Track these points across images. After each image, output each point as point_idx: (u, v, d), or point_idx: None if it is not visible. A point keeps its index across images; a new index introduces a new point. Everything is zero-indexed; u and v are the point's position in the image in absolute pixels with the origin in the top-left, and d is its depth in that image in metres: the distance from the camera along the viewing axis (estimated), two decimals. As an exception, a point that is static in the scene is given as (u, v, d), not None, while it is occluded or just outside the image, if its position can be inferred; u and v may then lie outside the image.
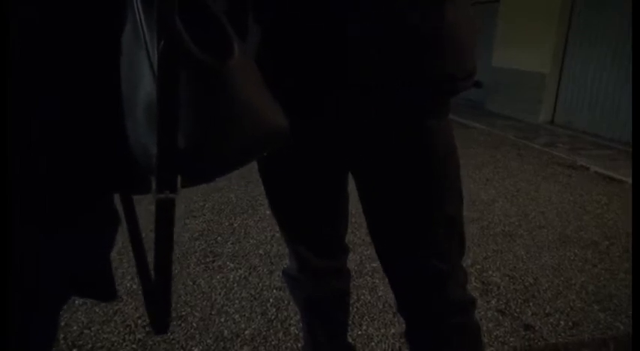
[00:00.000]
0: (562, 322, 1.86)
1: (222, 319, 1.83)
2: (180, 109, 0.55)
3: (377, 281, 2.12)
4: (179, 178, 0.57)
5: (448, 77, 0.82)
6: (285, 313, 1.87)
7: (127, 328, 1.74)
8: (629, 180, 3.85)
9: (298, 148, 0.91)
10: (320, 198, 1.02)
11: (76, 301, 1.84)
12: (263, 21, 0.83)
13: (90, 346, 1.64)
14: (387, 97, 0.82)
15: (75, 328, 1.72)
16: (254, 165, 0.98)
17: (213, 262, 2.30)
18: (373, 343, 1.70)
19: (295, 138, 0.85)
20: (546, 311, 1.94)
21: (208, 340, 1.69)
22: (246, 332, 1.75)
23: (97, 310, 1.83)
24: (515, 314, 1.91)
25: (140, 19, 0.56)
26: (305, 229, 1.08)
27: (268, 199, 1.05)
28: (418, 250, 0.92)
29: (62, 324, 1.70)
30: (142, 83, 0.57)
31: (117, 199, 0.76)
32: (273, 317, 1.85)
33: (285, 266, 1.25)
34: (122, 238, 0.77)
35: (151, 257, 0.69)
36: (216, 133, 0.59)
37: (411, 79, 0.80)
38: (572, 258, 2.45)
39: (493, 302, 1.99)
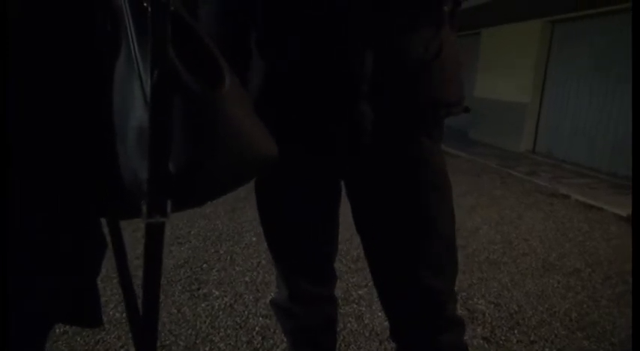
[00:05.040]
0: (547, 350, 1.87)
1: (207, 348, 1.80)
2: (172, 135, 0.57)
3: (363, 309, 2.12)
4: (169, 203, 0.58)
5: (444, 102, 0.91)
6: (272, 341, 1.85)
7: (109, 358, 1.70)
8: (610, 208, 3.93)
9: (297, 174, 0.97)
10: (317, 222, 1.06)
11: (57, 330, 1.80)
12: (269, 55, 0.89)
13: (70, 376, 1.60)
14: (388, 123, 0.88)
15: (55, 358, 1.68)
16: (240, 192, 1.00)
17: (199, 289, 2.28)
18: (360, 372, 1.69)
19: (295, 165, 0.90)
20: (531, 339, 1.95)
21: (192, 370, 1.66)
22: (231, 361, 1.72)
23: (79, 339, 1.79)
24: (501, 342, 1.91)
25: (134, 49, 0.58)
26: (300, 256, 1.10)
27: (264, 230, 1.08)
28: (414, 265, 0.94)
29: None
30: (133, 109, 0.59)
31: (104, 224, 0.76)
32: (259, 346, 1.82)
33: (273, 296, 1.25)
34: (105, 266, 0.77)
35: (135, 283, 0.70)
36: (206, 158, 0.60)
37: (412, 105, 0.88)
38: (555, 285, 2.48)
39: (479, 330, 1.99)
